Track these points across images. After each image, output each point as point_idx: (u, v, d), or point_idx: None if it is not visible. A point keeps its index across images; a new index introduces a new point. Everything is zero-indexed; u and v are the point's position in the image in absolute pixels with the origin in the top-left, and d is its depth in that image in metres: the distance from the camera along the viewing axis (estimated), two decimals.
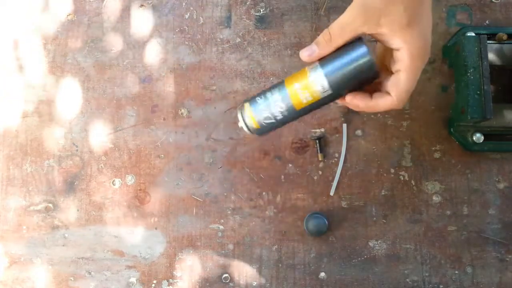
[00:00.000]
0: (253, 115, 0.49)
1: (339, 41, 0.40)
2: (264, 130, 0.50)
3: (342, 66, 0.42)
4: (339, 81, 0.44)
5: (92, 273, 0.69)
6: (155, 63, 0.72)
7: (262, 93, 0.49)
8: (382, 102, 0.42)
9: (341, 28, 0.39)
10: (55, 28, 0.73)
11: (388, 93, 0.42)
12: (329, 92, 0.45)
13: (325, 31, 0.40)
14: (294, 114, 0.49)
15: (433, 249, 0.67)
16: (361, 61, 0.41)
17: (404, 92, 0.40)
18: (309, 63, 0.46)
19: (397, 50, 0.39)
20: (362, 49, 0.41)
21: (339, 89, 0.45)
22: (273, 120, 0.49)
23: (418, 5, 0.37)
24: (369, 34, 0.39)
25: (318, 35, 0.70)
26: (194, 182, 0.70)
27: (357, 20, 0.38)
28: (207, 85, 0.71)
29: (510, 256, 0.67)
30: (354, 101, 0.44)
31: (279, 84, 0.49)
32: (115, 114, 0.71)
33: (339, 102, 0.47)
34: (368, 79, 0.44)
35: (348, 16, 0.38)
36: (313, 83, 0.45)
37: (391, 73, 0.42)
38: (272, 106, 0.48)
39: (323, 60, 0.44)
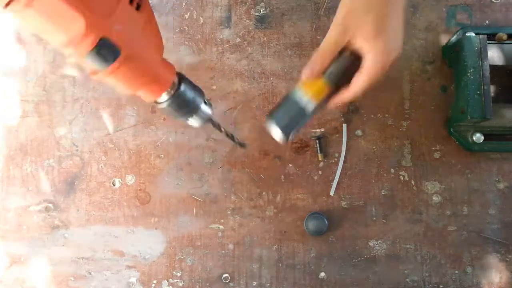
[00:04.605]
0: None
1: (330, 57, 0.49)
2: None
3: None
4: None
5: (92, 273, 0.68)
6: None
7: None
8: (341, 96, 0.52)
9: (329, 45, 0.48)
10: None
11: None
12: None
13: (318, 51, 0.50)
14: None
15: (433, 249, 0.67)
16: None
17: (359, 88, 0.49)
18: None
19: (365, 55, 0.48)
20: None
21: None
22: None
23: (385, 20, 0.46)
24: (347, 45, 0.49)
25: (318, 35, 0.70)
26: (194, 182, 0.70)
27: (339, 37, 0.47)
28: (207, 85, 0.71)
29: (510, 256, 0.67)
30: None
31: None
32: (115, 114, 0.71)
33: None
34: None
35: (333, 35, 0.48)
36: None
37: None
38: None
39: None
